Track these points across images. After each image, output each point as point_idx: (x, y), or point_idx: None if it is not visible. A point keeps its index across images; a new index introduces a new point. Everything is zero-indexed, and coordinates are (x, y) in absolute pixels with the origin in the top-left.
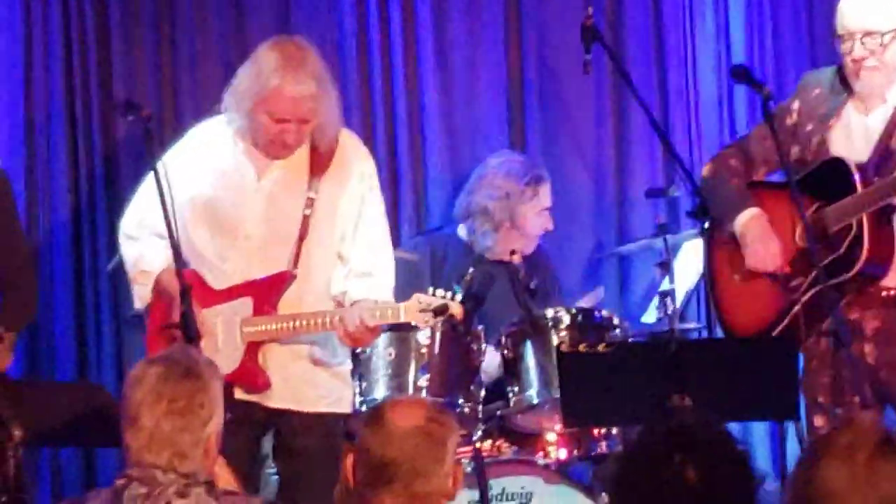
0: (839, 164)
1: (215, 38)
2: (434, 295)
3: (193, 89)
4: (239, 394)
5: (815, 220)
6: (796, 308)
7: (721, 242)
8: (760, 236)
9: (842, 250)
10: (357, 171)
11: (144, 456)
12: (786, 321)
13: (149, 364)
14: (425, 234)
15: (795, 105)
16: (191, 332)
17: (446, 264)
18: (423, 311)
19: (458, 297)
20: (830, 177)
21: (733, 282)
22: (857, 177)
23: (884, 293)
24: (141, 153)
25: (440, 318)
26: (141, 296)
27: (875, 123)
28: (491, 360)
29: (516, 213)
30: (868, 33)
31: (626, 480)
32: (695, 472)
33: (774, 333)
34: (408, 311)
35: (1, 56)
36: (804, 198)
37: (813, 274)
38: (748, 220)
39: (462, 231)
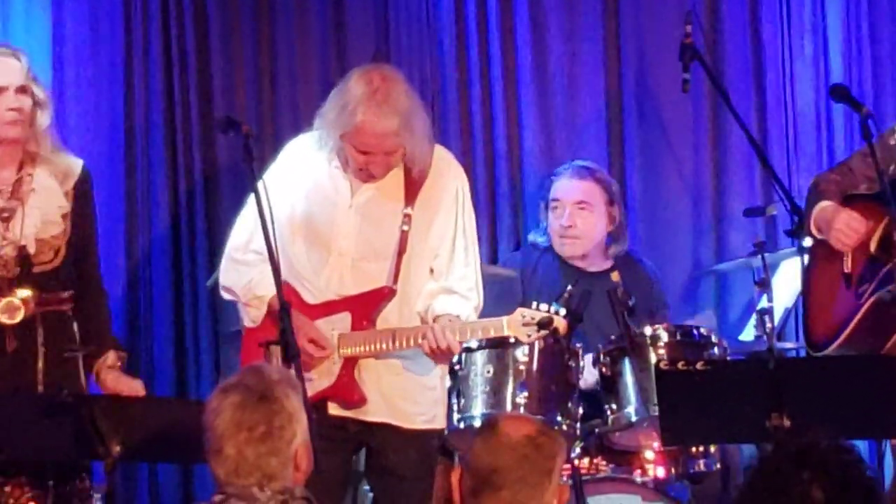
0: None
1: (315, 54)
2: (538, 309)
3: (292, 105)
4: (333, 409)
5: (888, 229)
6: (860, 313)
7: (814, 256)
8: (834, 216)
9: None
10: (452, 189)
11: (234, 481)
12: (850, 327)
13: (224, 393)
14: (520, 248)
15: None
16: (290, 349)
17: (537, 276)
18: (526, 324)
19: (562, 312)
20: None
21: (817, 292)
22: None
23: None
24: (240, 169)
25: (544, 332)
26: (254, 317)
27: None
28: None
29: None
30: None
31: (752, 495)
32: (821, 492)
33: (840, 339)
34: (510, 325)
35: (101, 72)
36: (888, 209)
37: (877, 279)
38: (819, 212)
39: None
